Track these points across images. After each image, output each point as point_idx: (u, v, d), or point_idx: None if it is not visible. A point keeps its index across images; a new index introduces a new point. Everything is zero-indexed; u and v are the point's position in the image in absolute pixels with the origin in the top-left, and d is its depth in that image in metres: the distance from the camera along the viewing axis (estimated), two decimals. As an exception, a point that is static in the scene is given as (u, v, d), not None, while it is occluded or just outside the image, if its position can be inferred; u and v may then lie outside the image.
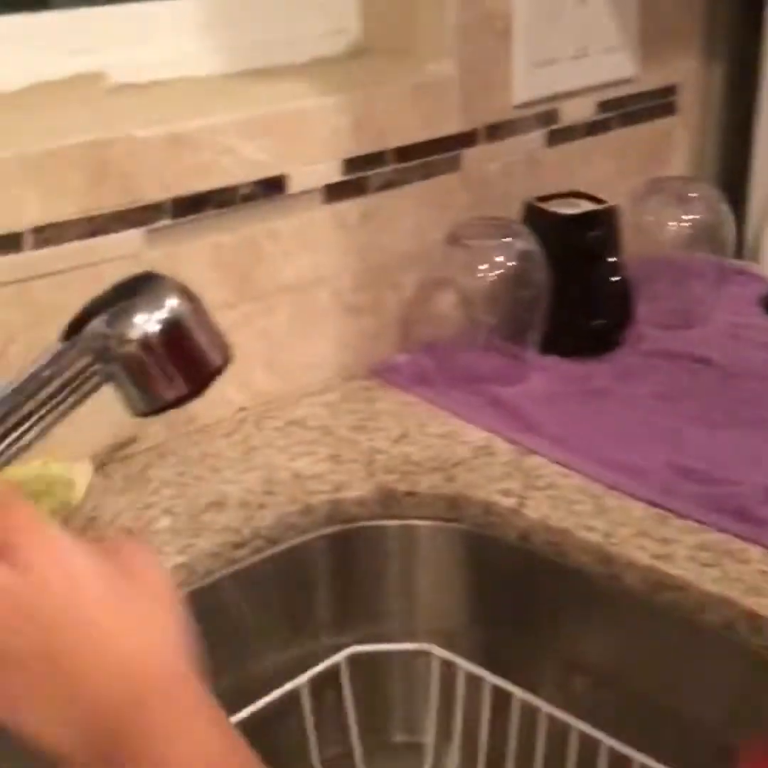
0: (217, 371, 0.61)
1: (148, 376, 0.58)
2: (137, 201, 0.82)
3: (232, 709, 0.76)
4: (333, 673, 0.81)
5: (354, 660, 0.81)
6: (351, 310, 0.98)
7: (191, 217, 0.85)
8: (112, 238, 0.81)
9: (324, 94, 0.93)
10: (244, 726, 0.73)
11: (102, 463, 0.83)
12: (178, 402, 0.60)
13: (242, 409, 0.93)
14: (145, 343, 0.57)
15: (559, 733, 0.77)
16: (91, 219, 0.80)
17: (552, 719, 0.77)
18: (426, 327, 1.02)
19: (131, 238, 0.82)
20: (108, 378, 0.59)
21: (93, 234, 0.80)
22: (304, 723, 0.79)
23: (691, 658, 0.75)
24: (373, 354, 1.01)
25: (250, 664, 0.79)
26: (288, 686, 0.78)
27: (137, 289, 0.59)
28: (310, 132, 0.91)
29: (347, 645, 0.81)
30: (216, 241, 0.87)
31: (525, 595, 0.82)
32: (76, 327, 0.59)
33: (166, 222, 0.84)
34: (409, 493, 0.83)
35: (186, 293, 0.61)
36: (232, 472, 0.85)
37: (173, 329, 0.58)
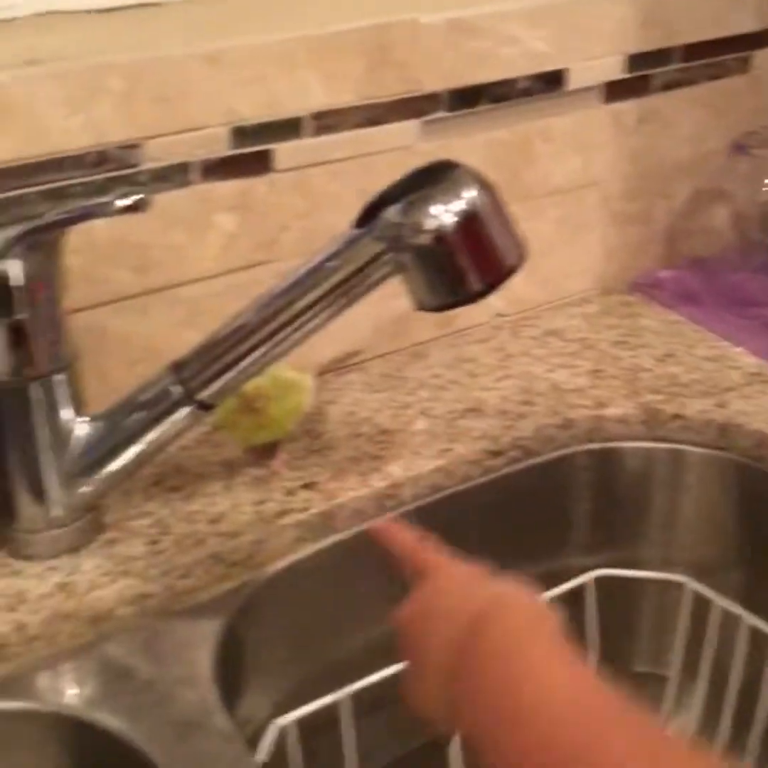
0: (512, 269, 0.58)
1: (441, 269, 0.56)
2: (415, 90, 0.78)
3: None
4: (579, 593, 0.78)
5: (602, 583, 0.78)
6: (618, 217, 0.93)
7: (467, 110, 0.81)
8: (388, 128, 0.78)
9: (609, -17, 0.87)
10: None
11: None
12: (469, 299, 0.57)
13: (499, 315, 0.90)
14: (441, 234, 0.55)
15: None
16: (368, 107, 0.77)
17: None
18: (695, 242, 0.96)
19: (407, 128, 0.79)
20: (398, 268, 0.57)
21: (370, 123, 0.77)
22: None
23: None
24: (636, 267, 0.96)
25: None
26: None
27: (435, 177, 0.56)
28: (595, 24, 0.85)
29: (597, 566, 0.78)
30: (489, 137, 0.83)
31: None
32: (370, 214, 0.57)
33: (442, 113, 0.80)
34: (677, 416, 0.78)
35: (484, 184, 0.57)
36: (488, 378, 0.82)
37: (470, 221, 0.55)
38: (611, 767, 0.41)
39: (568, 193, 0.89)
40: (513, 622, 0.49)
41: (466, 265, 0.56)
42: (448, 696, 0.50)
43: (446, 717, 0.51)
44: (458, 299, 0.57)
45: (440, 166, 0.58)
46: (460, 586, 0.54)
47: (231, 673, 0.64)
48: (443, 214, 0.56)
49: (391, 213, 0.56)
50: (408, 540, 0.58)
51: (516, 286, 0.88)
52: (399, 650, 0.55)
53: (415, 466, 0.73)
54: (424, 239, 0.56)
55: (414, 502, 0.72)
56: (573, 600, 0.78)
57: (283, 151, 0.74)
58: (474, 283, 0.57)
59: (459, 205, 0.56)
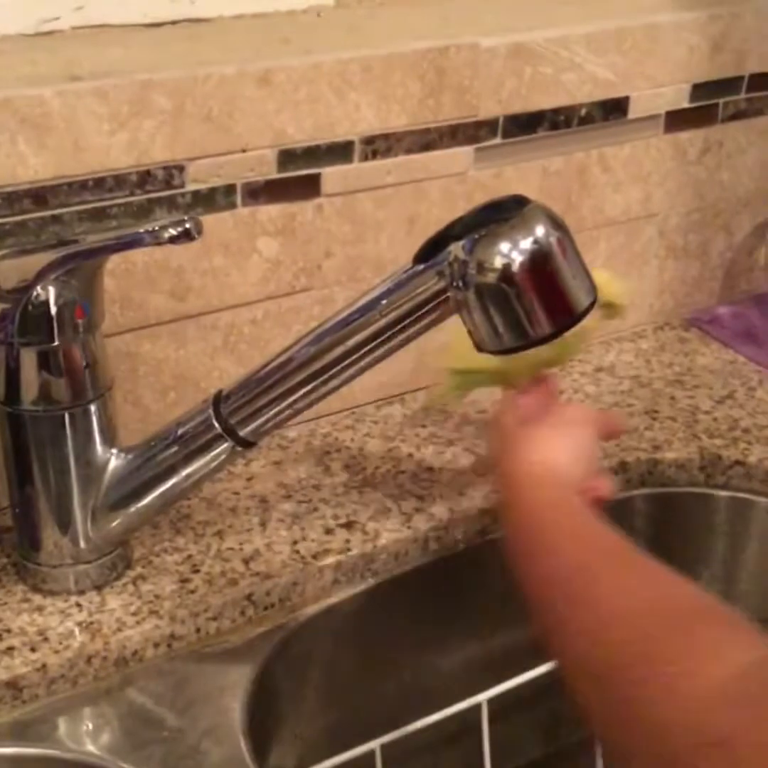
0: (583, 313, 0.54)
1: (507, 311, 0.52)
2: (470, 116, 0.75)
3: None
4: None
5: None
6: (675, 250, 0.89)
7: (523, 137, 0.78)
8: (441, 153, 0.75)
9: (674, 9, 0.83)
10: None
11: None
12: (534, 344, 0.54)
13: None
14: (509, 274, 0.51)
15: None
16: (421, 132, 0.74)
17: None
18: (755, 278, 0.92)
19: (460, 155, 0.76)
20: (460, 307, 0.54)
21: (422, 148, 0.74)
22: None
23: None
24: (693, 302, 0.92)
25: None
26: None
27: (503, 213, 0.53)
28: (662, 51, 0.82)
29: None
30: (545, 165, 0.80)
31: None
32: (432, 249, 0.54)
33: (497, 140, 0.77)
34: (738, 462, 0.74)
35: (555, 222, 0.54)
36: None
37: (541, 262, 0.52)
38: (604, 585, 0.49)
39: (624, 224, 0.86)
40: (549, 492, 0.56)
41: (534, 308, 0.53)
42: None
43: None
44: (523, 343, 0.54)
45: (509, 201, 0.54)
46: (546, 439, 0.59)
47: (261, 722, 0.60)
48: (512, 252, 0.52)
49: (457, 248, 0.53)
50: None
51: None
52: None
53: (461, 506, 0.70)
54: (491, 278, 0.52)
55: (460, 544, 0.69)
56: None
57: (331, 175, 0.72)
58: (541, 328, 0.53)
59: (529, 243, 0.52)
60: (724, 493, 0.74)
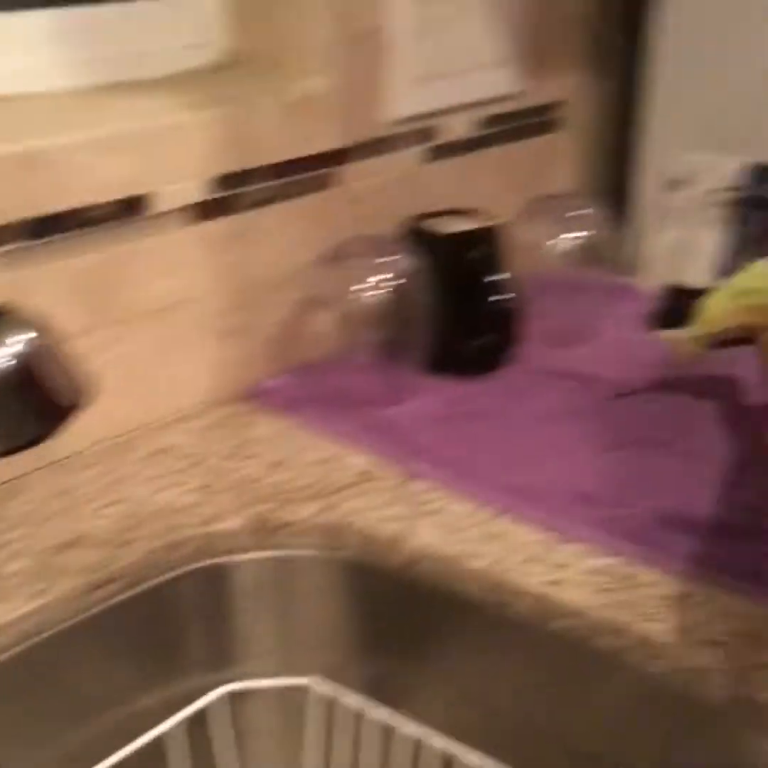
0: (71, 412, 0.56)
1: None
2: (-13, 222, 0.76)
3: (102, 755, 0.70)
4: (206, 713, 0.76)
5: (229, 699, 0.76)
6: (221, 332, 0.93)
7: (46, 239, 0.80)
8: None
9: (190, 109, 0.89)
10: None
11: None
12: (29, 445, 0.55)
13: (104, 439, 0.87)
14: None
15: (446, 764, 0.73)
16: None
17: (440, 751, 0.73)
18: (303, 348, 0.98)
19: (-23, 259, 0.77)
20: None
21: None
22: (178, 766, 0.74)
23: (583, 686, 0.71)
24: (248, 377, 0.96)
25: (118, 709, 0.73)
26: (160, 729, 0.73)
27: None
28: (177, 149, 0.86)
29: (222, 683, 0.76)
30: (73, 264, 0.82)
31: (411, 625, 0.77)
32: None
33: (19, 244, 0.78)
34: (286, 524, 0.78)
35: (40, 328, 0.56)
36: (92, 506, 0.79)
37: (23, 369, 0.54)
38: None
39: (166, 312, 0.89)
40: None
41: (21, 412, 0.54)
42: None
43: None
44: (16, 445, 0.55)
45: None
46: None
47: None
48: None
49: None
50: None
51: (118, 407, 0.87)
52: None
53: (3, 612, 0.68)
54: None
55: (8, 650, 0.68)
56: (201, 721, 0.76)
57: None
58: (31, 430, 0.55)
59: (11, 351, 0.54)
60: (273, 554, 0.78)
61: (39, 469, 0.83)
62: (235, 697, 0.77)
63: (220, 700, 0.76)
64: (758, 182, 1.14)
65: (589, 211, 1.10)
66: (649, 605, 0.69)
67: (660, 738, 0.68)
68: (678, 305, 1.10)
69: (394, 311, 0.94)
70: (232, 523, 0.78)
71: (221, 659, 0.78)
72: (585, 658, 0.70)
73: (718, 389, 0.97)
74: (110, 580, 0.72)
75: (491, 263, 1.00)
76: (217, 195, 0.90)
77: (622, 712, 0.70)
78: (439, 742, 0.73)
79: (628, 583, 0.71)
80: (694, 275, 1.17)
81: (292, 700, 0.79)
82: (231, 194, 0.91)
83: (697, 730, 0.66)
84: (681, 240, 1.19)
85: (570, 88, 1.23)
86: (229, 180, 0.90)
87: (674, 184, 1.19)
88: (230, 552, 0.77)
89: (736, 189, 1.15)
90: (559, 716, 0.72)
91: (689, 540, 0.75)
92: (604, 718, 0.71)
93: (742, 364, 0.99)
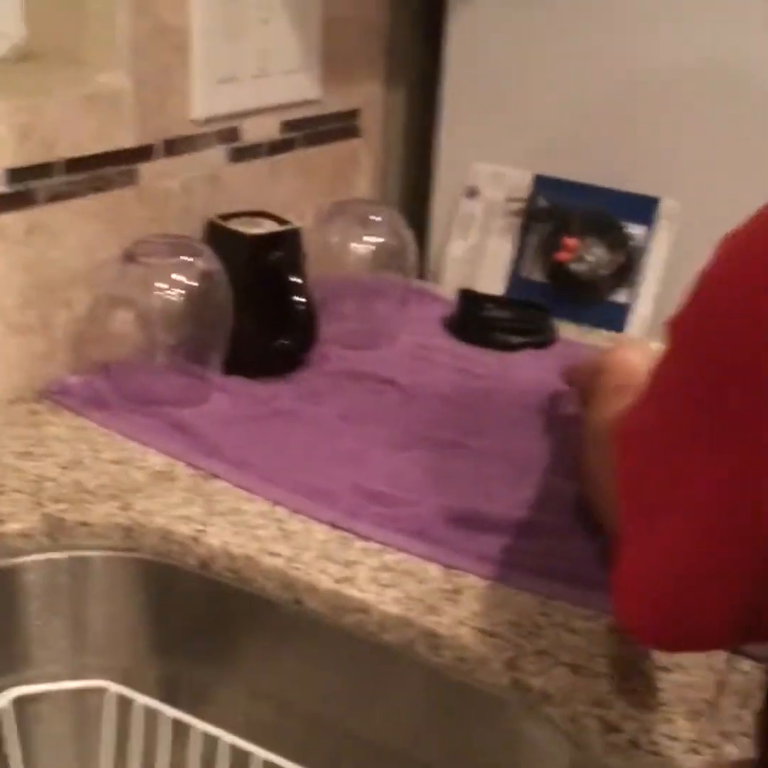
0: None
1: None
2: None
3: None
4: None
5: (20, 702, 0.75)
6: (15, 328, 0.91)
7: None
8: None
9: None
10: None
11: None
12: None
13: None
14: None
15: (241, 763, 0.74)
16: None
17: (234, 749, 0.74)
18: (101, 347, 0.97)
19: None
20: None
21: None
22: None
23: (376, 680, 0.74)
24: (44, 375, 0.95)
25: None
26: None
27: None
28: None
29: (11, 687, 0.75)
30: None
31: (207, 624, 0.78)
32: None
33: None
34: (82, 523, 0.78)
35: None
36: None
37: None
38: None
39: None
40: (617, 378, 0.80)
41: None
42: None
43: None
44: None
45: None
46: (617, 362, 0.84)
47: None
48: None
49: None
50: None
51: None
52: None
53: None
54: None
55: None
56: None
57: None
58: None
59: None
60: (67, 555, 0.77)
61: None
62: (25, 701, 0.76)
63: (8, 704, 0.75)
64: (541, 194, 1.20)
65: (387, 216, 1.13)
66: (432, 599, 0.73)
67: (449, 727, 0.72)
68: (472, 311, 1.15)
69: (194, 312, 0.94)
70: (25, 524, 0.77)
71: (10, 662, 0.77)
72: (375, 653, 0.73)
73: (513, 392, 1.02)
74: None
75: (291, 265, 1.01)
76: (11, 189, 0.88)
77: (412, 704, 0.73)
78: (234, 741, 0.74)
79: (413, 579, 0.75)
80: (487, 282, 1.22)
81: (86, 702, 0.78)
82: (26, 188, 0.89)
83: (480, 718, 0.70)
84: (474, 247, 1.24)
85: (367, 96, 1.26)
86: (24, 173, 0.89)
87: (470, 193, 1.24)
88: (22, 553, 0.76)
89: (523, 200, 1.21)
90: (353, 711, 0.75)
91: (473, 536, 0.79)
92: (395, 711, 0.74)
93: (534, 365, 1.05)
